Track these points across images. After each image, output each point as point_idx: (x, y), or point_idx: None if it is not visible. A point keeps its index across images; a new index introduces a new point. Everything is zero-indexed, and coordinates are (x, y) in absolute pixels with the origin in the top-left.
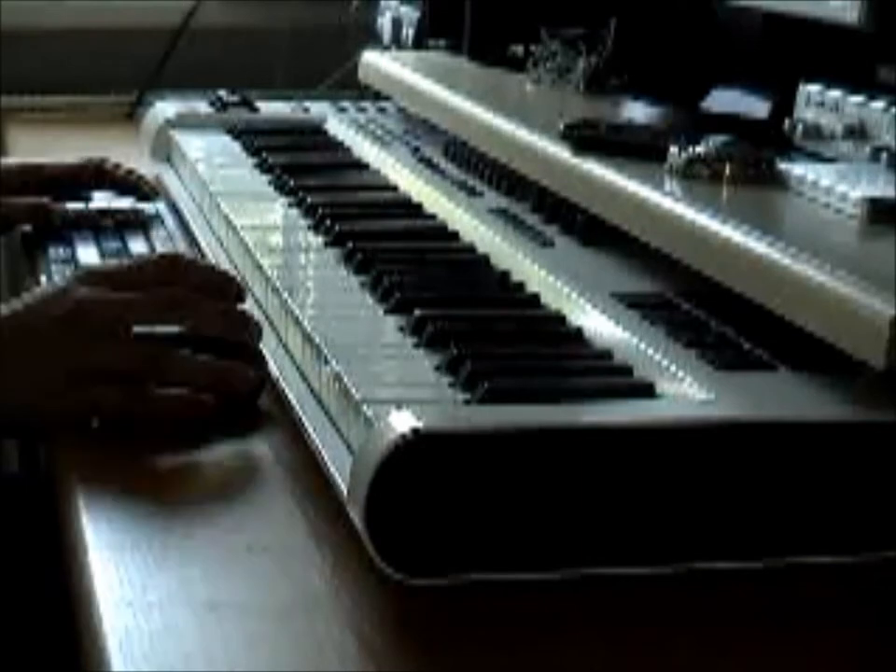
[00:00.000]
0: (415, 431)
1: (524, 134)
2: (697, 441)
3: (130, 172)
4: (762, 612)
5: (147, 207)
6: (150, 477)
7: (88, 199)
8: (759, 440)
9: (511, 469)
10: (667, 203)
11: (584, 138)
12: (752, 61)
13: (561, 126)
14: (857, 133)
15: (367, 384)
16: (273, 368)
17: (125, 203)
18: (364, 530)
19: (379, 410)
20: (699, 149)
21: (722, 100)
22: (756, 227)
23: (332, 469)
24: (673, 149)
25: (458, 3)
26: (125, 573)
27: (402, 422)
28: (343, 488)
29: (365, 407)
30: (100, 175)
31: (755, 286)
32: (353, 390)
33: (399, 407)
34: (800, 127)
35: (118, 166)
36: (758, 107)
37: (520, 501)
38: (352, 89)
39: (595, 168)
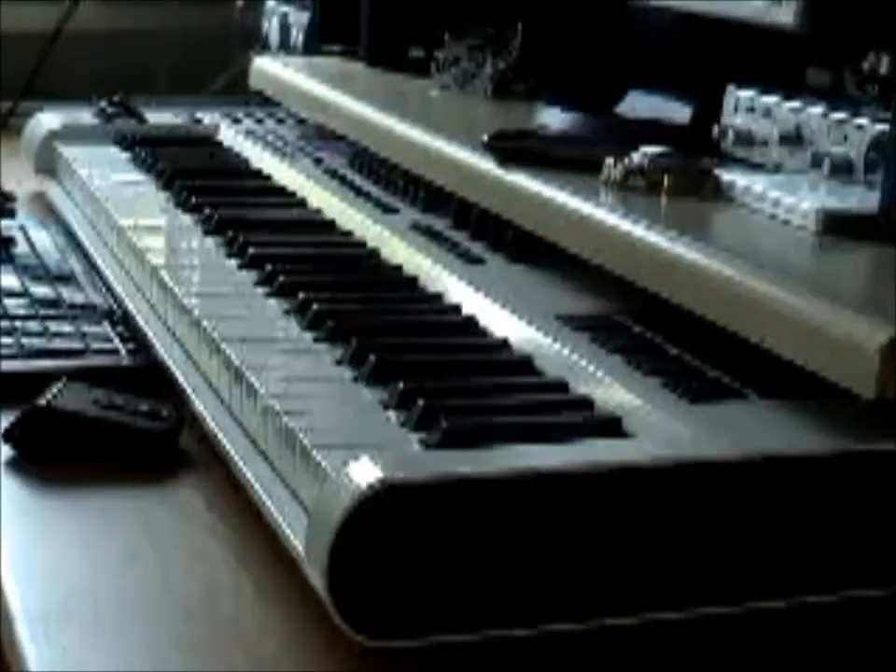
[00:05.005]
0: (382, 483)
1: (443, 146)
2: (683, 483)
3: None
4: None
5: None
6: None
7: None
8: (750, 478)
9: (486, 519)
10: (612, 218)
11: (511, 150)
12: (668, 63)
13: (484, 137)
14: (792, 139)
15: (310, 426)
16: (197, 405)
17: None
18: (327, 596)
19: (330, 456)
20: (636, 161)
21: (640, 105)
22: (709, 243)
23: (278, 519)
24: (608, 160)
25: (351, 6)
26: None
27: (365, 472)
28: (296, 544)
29: (315, 453)
30: None
31: (716, 309)
32: (300, 436)
33: (355, 455)
34: (730, 133)
35: None
36: (678, 112)
37: (497, 554)
38: (236, 93)
39: (528, 182)
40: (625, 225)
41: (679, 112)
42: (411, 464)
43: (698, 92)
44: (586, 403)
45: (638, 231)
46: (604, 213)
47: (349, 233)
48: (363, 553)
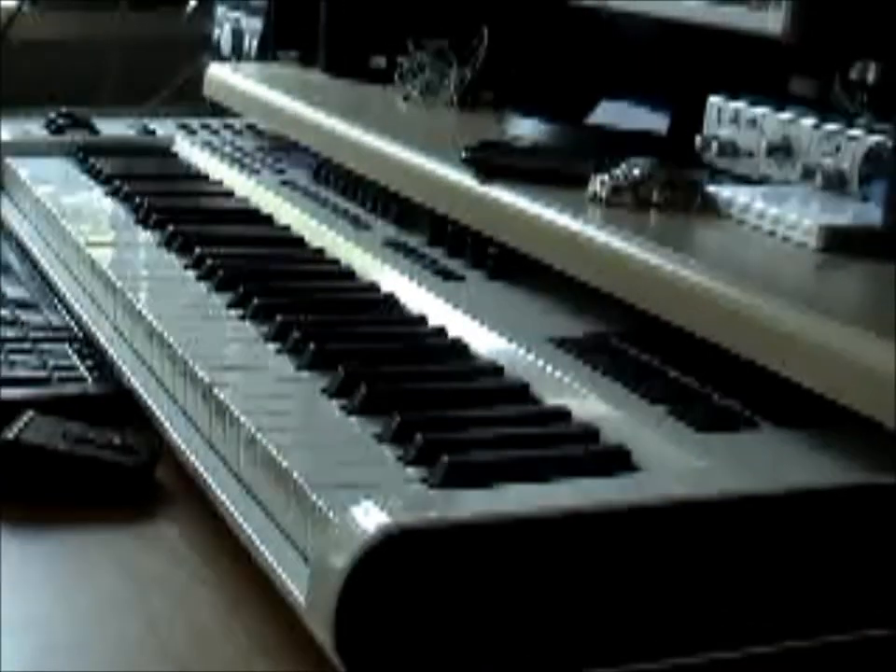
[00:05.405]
0: (394, 527)
1: (422, 161)
2: (705, 520)
3: None
4: None
5: None
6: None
7: None
8: (776, 513)
9: (505, 564)
10: (602, 236)
11: (493, 165)
12: (641, 72)
13: (463, 152)
14: (780, 150)
15: (301, 461)
16: (173, 436)
17: None
18: (333, 648)
19: (330, 497)
20: (623, 176)
21: (614, 114)
22: (710, 263)
23: (274, 566)
24: (596, 176)
25: (308, 12)
26: None
27: (373, 517)
28: (297, 594)
29: (311, 493)
30: None
31: (726, 334)
32: (292, 472)
33: (359, 497)
34: (714, 145)
35: None
36: (653, 121)
37: (514, 601)
38: (184, 101)
39: (513, 199)
40: (616, 242)
41: (653, 121)
42: (420, 506)
43: (674, 102)
44: (591, 435)
45: (631, 248)
46: (594, 230)
47: (320, 251)
48: (370, 604)
